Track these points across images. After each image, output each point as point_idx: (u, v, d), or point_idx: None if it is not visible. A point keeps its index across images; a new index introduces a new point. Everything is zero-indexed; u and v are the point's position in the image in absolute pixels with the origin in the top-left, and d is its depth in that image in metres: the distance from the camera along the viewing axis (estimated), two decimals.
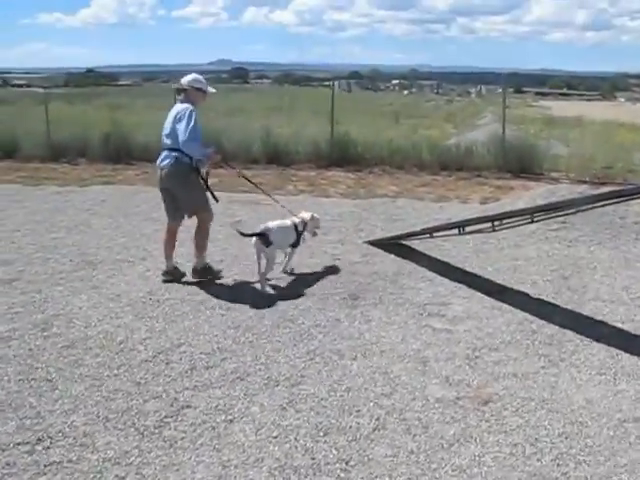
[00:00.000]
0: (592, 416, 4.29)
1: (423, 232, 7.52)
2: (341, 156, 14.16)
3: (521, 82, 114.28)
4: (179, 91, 6.85)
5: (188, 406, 4.41)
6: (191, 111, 6.49)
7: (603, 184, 12.86)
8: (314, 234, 7.52)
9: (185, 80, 6.82)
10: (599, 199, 5.54)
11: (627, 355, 5.22)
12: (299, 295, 6.50)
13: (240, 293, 6.58)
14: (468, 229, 6.93)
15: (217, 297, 6.46)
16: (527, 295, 6.62)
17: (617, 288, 6.82)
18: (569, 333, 5.65)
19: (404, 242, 8.12)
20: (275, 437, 4.04)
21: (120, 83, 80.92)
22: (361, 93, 63.84)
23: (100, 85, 72.89)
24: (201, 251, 7.04)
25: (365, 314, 6.02)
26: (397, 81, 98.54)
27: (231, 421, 4.23)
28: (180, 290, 6.68)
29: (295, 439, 4.01)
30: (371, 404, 4.41)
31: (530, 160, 14.16)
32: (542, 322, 5.88)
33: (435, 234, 7.42)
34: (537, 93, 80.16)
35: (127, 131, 16.43)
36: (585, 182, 13.16)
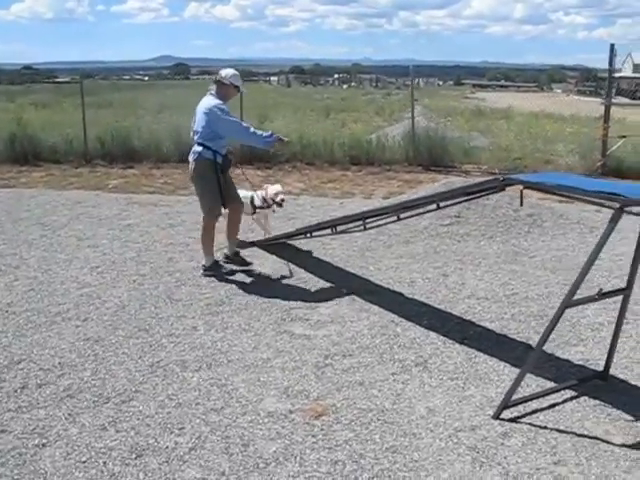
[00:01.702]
0: (428, 426, 4.08)
1: (298, 232, 7.29)
2: (251, 153, 13.82)
3: (461, 74, 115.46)
4: (216, 82, 6.78)
5: (3, 430, 4.08)
6: (222, 109, 6.56)
7: None
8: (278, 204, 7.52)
9: (226, 74, 6.76)
10: (457, 194, 5.35)
11: (485, 357, 5.05)
12: (163, 302, 6.20)
13: (103, 303, 6.23)
14: (340, 228, 6.72)
15: (78, 307, 6.12)
16: (402, 295, 6.42)
17: (496, 284, 6.68)
18: (433, 335, 5.47)
19: (290, 242, 7.88)
20: (84, 462, 3.74)
21: (58, 80, 79.02)
22: (300, 88, 63.46)
23: (36, 82, 70.90)
24: (204, 250, 7.04)
25: (225, 321, 5.75)
26: (338, 75, 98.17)
27: (44, 445, 3.91)
28: (43, 300, 6.32)
29: (104, 463, 3.72)
30: (197, 420, 4.14)
31: (442, 153, 14.05)
32: (409, 324, 5.69)
33: (314, 233, 7.18)
34: (474, 85, 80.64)
35: (37, 131, 15.78)
36: (494, 174, 13.09)
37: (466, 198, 5.40)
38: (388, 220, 6.29)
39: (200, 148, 6.65)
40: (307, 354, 5.09)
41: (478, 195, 5.25)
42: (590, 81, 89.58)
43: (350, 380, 4.67)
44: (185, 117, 19.34)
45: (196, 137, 6.70)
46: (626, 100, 59.28)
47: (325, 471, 3.61)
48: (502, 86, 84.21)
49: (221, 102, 6.61)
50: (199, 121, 6.64)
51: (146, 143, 14.75)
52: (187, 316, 5.86)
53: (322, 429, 4.04)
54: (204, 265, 7.00)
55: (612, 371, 4.83)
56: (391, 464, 3.68)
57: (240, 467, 3.65)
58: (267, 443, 3.89)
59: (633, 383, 4.71)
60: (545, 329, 4.22)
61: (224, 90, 6.73)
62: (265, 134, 6.64)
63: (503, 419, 4.16)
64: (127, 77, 79.72)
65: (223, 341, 5.34)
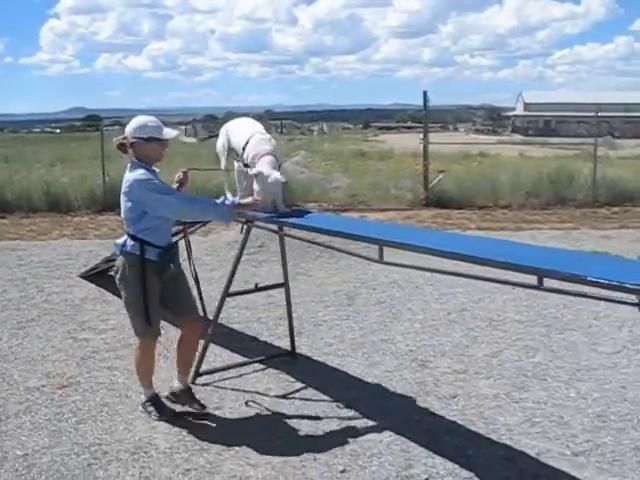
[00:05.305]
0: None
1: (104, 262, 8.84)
2: (115, 200, 15.28)
3: (372, 117, 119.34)
4: (122, 148, 4.91)
5: None
6: (143, 180, 4.77)
7: (345, 211, 14.75)
8: None
9: (127, 131, 4.87)
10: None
11: (218, 350, 6.63)
12: None
13: None
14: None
15: None
16: None
17: (262, 296, 8.25)
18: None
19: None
20: None
21: None
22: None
23: None
24: (140, 381, 5.38)
25: (28, 332, 7.25)
26: None
27: None
28: None
29: None
30: None
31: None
32: (170, 327, 7.11)
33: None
34: (381, 127, 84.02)
35: None
36: (328, 210, 14.93)
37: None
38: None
39: (123, 239, 4.96)
40: (80, 351, 6.68)
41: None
42: (493, 120, 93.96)
43: (102, 366, 6.28)
44: (75, 169, 20.55)
45: (125, 226, 4.99)
46: (519, 137, 62.90)
47: (48, 418, 5.22)
48: (408, 127, 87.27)
49: (143, 171, 4.79)
50: (122, 204, 4.89)
51: (18, 194, 16.11)
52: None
53: (61, 395, 5.64)
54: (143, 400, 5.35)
55: (310, 353, 6.60)
56: (97, 413, 5.32)
57: None
58: (15, 406, 5.45)
59: (315, 359, 6.45)
60: (214, 314, 5.92)
61: (136, 151, 4.85)
62: (220, 201, 5.03)
63: (197, 384, 5.78)
64: (37, 130, 79.68)
65: (19, 346, 6.87)
